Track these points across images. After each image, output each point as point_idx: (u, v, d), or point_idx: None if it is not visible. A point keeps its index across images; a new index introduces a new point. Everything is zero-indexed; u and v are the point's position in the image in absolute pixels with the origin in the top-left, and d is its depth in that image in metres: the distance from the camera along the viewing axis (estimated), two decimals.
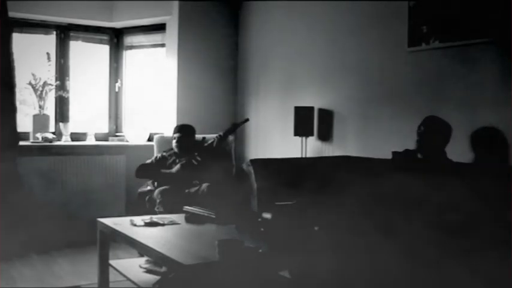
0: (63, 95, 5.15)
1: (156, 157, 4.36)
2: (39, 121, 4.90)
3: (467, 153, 3.26)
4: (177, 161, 4.24)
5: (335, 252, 2.31)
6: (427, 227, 2.48)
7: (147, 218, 3.06)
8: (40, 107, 4.93)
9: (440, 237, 2.39)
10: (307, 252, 2.33)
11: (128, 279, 2.93)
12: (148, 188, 4.22)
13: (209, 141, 4.32)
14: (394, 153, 3.29)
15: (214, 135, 4.51)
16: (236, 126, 4.37)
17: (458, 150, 3.27)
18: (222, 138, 4.26)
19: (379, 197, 2.86)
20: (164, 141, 4.67)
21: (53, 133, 4.99)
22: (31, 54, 5.08)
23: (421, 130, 3.19)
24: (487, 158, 3.21)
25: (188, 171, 4.11)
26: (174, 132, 4.35)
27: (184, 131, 4.33)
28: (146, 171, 4.20)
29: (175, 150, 4.30)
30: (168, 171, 4.15)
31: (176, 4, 5.18)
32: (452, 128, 3.18)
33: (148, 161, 4.33)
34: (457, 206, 2.60)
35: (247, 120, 4.42)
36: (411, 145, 3.25)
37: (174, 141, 4.31)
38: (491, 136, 3.20)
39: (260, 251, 2.28)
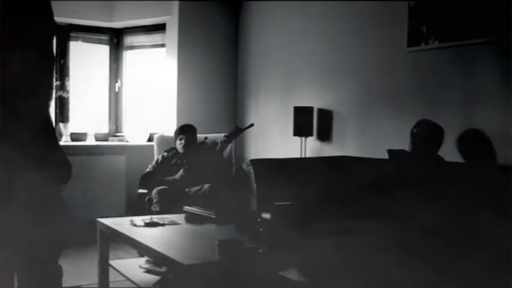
0: (63, 95, 5.15)
1: (158, 160, 4.34)
2: None
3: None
4: (179, 161, 4.23)
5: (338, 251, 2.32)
6: (423, 226, 2.48)
7: (147, 218, 3.06)
8: None
9: (436, 239, 2.40)
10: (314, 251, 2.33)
11: (128, 279, 2.93)
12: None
13: (212, 143, 4.32)
14: (390, 151, 3.30)
15: (217, 135, 4.52)
16: (240, 131, 4.38)
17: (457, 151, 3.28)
18: (225, 142, 4.26)
19: (377, 196, 2.86)
20: (164, 141, 4.66)
21: None
22: None
23: (414, 133, 3.22)
24: (474, 160, 3.22)
25: (191, 176, 4.11)
26: (178, 133, 4.33)
27: (188, 132, 4.31)
28: (149, 181, 4.18)
29: (180, 151, 4.29)
30: (171, 178, 4.14)
31: (176, 4, 5.19)
32: (444, 131, 3.20)
33: (149, 167, 4.30)
34: (452, 206, 2.61)
35: (252, 125, 4.42)
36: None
37: (178, 142, 4.30)
38: (475, 138, 3.22)
39: (260, 251, 2.29)
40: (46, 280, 1.97)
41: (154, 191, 3.98)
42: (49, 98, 1.90)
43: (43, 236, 1.90)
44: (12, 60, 1.77)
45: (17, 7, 1.80)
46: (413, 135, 3.22)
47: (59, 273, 2.04)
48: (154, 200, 3.92)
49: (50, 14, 1.89)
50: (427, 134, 3.22)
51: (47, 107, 1.90)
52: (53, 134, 1.97)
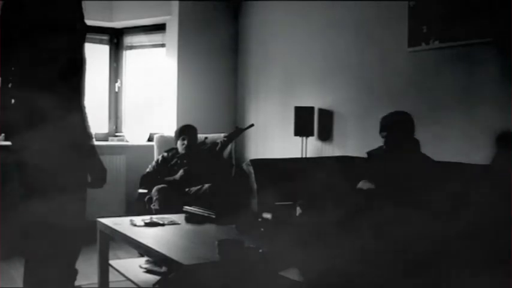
0: None
1: (158, 160, 4.34)
2: None
3: (467, 153, 3.26)
4: (179, 162, 4.23)
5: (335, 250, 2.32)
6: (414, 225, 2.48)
7: (147, 218, 3.05)
8: None
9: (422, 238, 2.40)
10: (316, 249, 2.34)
11: (128, 279, 2.93)
12: None
13: (212, 144, 4.32)
14: (368, 153, 3.29)
15: (217, 135, 4.53)
16: (241, 131, 4.38)
17: (459, 151, 3.27)
18: (226, 142, 4.27)
19: (376, 196, 2.86)
20: (164, 141, 4.66)
21: None
22: None
23: (383, 128, 3.15)
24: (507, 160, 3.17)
25: (191, 176, 4.11)
26: (180, 134, 4.32)
27: (191, 132, 4.31)
28: (149, 181, 4.17)
29: (181, 151, 4.29)
30: (171, 178, 4.14)
31: (176, 4, 5.19)
32: (409, 115, 3.11)
33: (149, 167, 4.30)
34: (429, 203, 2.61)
35: (252, 125, 4.43)
36: None
37: (180, 143, 4.29)
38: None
39: (260, 251, 2.28)
40: (57, 279, 1.99)
41: (154, 189, 3.99)
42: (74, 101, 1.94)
43: (64, 234, 1.94)
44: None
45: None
46: (382, 131, 3.15)
47: (73, 274, 2.07)
48: (154, 198, 3.92)
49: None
50: (392, 127, 3.12)
51: (77, 109, 1.95)
52: (90, 140, 2.03)
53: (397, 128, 3.12)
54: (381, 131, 3.18)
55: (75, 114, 1.97)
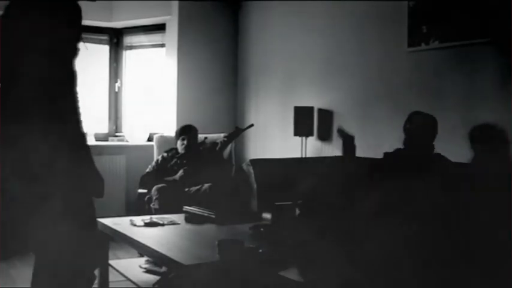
0: None
1: (157, 160, 4.34)
2: None
3: (467, 153, 3.26)
4: (179, 162, 4.23)
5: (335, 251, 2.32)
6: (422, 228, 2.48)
7: (147, 218, 3.06)
8: None
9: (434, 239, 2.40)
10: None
11: (128, 279, 2.93)
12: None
13: (212, 144, 4.32)
14: (386, 154, 3.27)
15: (217, 135, 4.53)
16: (240, 131, 4.38)
17: (459, 150, 3.27)
18: (225, 142, 4.27)
19: (376, 198, 2.86)
20: (164, 141, 4.66)
21: None
22: None
23: (408, 127, 3.14)
24: (486, 156, 3.20)
25: (191, 176, 4.11)
26: (180, 134, 4.32)
27: (191, 132, 4.31)
28: (149, 181, 4.17)
29: (181, 151, 4.29)
30: (171, 178, 4.14)
31: (176, 4, 5.19)
32: (437, 120, 3.14)
33: (149, 167, 4.30)
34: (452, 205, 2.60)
35: (252, 125, 4.43)
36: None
37: (180, 143, 4.29)
38: (490, 134, 3.19)
39: (260, 251, 2.28)
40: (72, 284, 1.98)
41: (153, 189, 3.99)
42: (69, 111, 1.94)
43: (77, 245, 1.92)
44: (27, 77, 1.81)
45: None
46: (408, 131, 3.14)
47: (91, 279, 2.06)
48: (154, 197, 3.92)
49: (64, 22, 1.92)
50: (422, 127, 3.11)
51: (71, 121, 1.95)
52: (87, 151, 2.02)
53: (425, 125, 3.10)
54: (406, 125, 3.15)
55: (70, 124, 1.96)
